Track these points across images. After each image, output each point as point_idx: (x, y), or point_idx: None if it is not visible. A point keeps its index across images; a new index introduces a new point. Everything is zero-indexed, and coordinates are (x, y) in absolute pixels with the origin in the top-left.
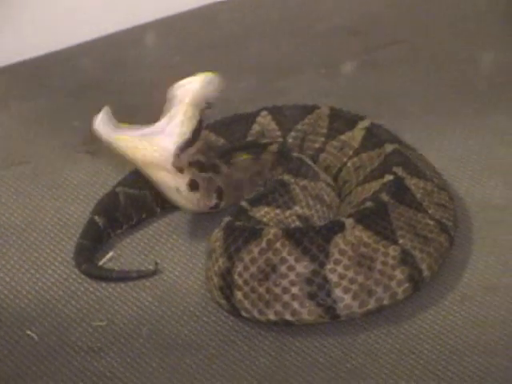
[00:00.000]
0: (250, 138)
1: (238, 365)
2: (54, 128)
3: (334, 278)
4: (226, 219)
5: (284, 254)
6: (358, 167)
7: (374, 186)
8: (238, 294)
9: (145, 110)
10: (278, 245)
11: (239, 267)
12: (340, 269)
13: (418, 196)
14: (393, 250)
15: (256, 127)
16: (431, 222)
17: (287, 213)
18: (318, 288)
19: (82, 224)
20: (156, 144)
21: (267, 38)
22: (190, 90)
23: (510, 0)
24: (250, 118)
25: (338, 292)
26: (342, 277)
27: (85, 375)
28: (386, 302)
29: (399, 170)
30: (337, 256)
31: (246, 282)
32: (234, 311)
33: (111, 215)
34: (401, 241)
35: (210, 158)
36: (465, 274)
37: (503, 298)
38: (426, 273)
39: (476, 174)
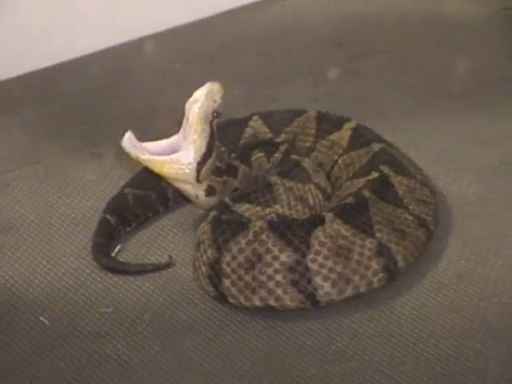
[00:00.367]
0: (243, 141)
1: (233, 347)
2: (64, 131)
3: (314, 267)
4: (213, 213)
5: (269, 245)
6: (347, 164)
7: (361, 182)
8: (226, 282)
9: (147, 113)
10: (263, 236)
11: (227, 257)
12: (320, 259)
13: (401, 193)
14: (369, 243)
15: (249, 131)
16: (410, 218)
17: (267, 210)
18: (299, 276)
19: (90, 219)
20: (178, 162)
21: (259, 48)
22: (195, 108)
23: (481, 12)
24: (243, 122)
25: (318, 280)
26: (321, 266)
27: (93, 357)
28: (362, 290)
29: (385, 168)
30: (317, 247)
31: (233, 271)
32: (222, 298)
33: (121, 214)
34: (378, 234)
35: (225, 159)
36: (441, 263)
37: (476, 286)
38: (401, 264)
39: (451, 173)
